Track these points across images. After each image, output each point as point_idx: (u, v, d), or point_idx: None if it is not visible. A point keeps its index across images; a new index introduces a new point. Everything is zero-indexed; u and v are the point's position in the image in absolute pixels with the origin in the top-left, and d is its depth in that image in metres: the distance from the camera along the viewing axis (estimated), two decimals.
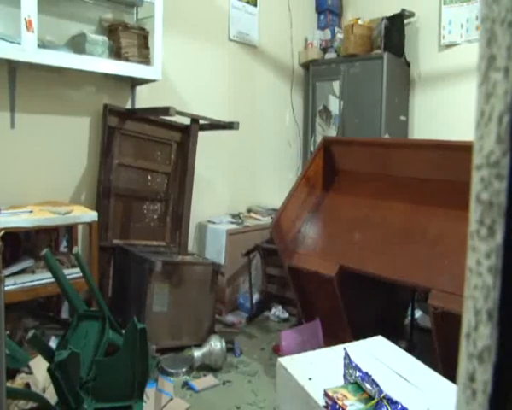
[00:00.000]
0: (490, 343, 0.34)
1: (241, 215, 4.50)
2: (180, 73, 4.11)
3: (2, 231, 1.73)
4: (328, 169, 3.48)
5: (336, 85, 4.90)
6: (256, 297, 4.16)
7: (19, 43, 2.88)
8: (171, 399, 2.78)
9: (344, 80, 4.84)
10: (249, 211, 4.70)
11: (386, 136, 4.43)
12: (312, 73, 5.16)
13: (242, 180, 4.73)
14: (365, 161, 3.33)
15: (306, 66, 5.25)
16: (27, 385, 2.53)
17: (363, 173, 3.34)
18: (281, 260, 3.34)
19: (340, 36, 5.03)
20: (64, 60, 3.12)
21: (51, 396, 2.46)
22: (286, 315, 4.06)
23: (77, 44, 3.29)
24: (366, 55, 4.73)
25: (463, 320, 0.35)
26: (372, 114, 4.62)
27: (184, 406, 2.74)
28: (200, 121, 3.68)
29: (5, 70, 3.16)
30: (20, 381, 2.56)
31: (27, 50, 2.91)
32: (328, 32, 5.21)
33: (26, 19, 2.86)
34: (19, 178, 3.23)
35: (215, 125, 3.79)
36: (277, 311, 4.07)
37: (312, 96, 5.15)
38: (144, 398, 2.57)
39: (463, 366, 0.35)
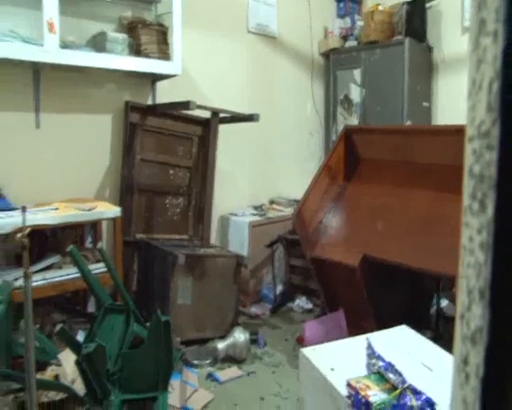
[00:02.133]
0: (482, 324, 0.33)
1: (264, 207, 4.51)
2: (199, 67, 4.12)
3: (28, 229, 1.77)
4: (350, 158, 3.45)
5: (357, 73, 4.84)
6: (279, 288, 4.16)
7: (42, 45, 2.94)
8: (196, 390, 2.82)
9: (365, 68, 4.77)
10: (271, 202, 4.70)
11: (409, 123, 4.36)
12: (333, 62, 5.10)
13: (264, 172, 4.73)
14: (387, 149, 3.29)
15: (326, 55, 5.20)
16: (57, 377, 2.61)
17: (385, 161, 3.30)
18: (303, 250, 3.34)
19: (360, 23, 4.96)
20: (85, 59, 3.17)
21: (79, 388, 2.53)
22: (310, 306, 4.06)
23: (98, 43, 3.33)
24: (387, 41, 4.65)
25: (457, 301, 0.35)
26: (394, 101, 4.54)
27: (209, 397, 2.77)
28: (221, 114, 3.69)
29: (30, 72, 3.24)
30: (50, 373, 2.64)
31: (50, 52, 2.97)
32: (347, 19, 5.14)
33: (48, 21, 2.92)
34: (44, 176, 3.32)
35: (235, 118, 3.80)
36: (301, 302, 4.07)
37: (333, 85, 5.10)
38: (169, 389, 2.62)
39: (457, 348, 0.35)
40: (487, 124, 0.33)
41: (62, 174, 3.40)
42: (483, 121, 0.33)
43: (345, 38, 5.09)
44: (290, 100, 4.95)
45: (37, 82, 3.27)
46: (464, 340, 0.34)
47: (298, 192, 3.57)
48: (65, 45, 3.08)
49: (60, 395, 2.54)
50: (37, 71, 3.25)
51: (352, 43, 5.01)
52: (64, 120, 3.41)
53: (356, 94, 4.88)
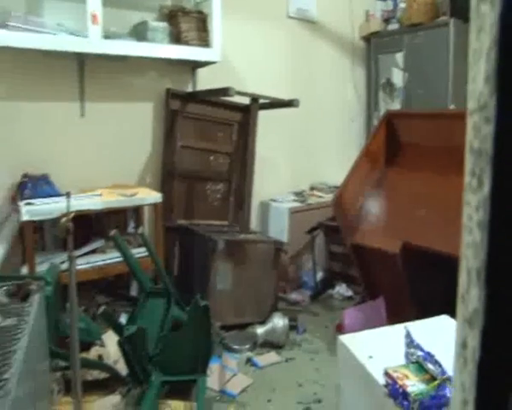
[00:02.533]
0: (478, 306, 0.32)
1: (304, 193, 4.48)
2: (239, 53, 4.12)
3: (72, 213, 1.84)
4: (391, 144, 3.37)
5: (399, 57, 4.70)
6: (320, 275, 4.15)
7: (86, 37, 3.04)
8: (235, 374, 2.86)
9: (407, 51, 4.62)
10: (312, 189, 4.66)
11: (452, 107, 4.20)
12: (374, 46, 4.98)
13: (304, 158, 4.69)
14: (430, 134, 3.18)
15: (368, 39, 5.07)
16: (100, 357, 2.71)
17: (427, 147, 3.20)
18: (343, 237, 3.30)
19: (402, 5, 4.79)
20: (128, 48, 3.24)
21: (122, 368, 2.62)
22: (350, 293, 4.02)
23: (139, 32, 3.39)
24: (431, 23, 4.48)
25: (459, 282, 0.33)
26: (438, 84, 4.39)
27: (247, 381, 2.81)
28: (260, 100, 3.68)
29: (74, 62, 3.34)
30: (94, 353, 2.74)
31: (94, 42, 3.05)
32: (389, 2, 4.98)
33: (91, 13, 2.99)
34: (88, 163, 3.42)
35: (275, 104, 3.78)
36: (341, 289, 4.04)
37: (375, 69, 4.98)
38: (208, 373, 2.67)
39: (458, 332, 0.34)
40: (485, 95, 0.32)
41: (106, 161, 3.50)
42: (481, 93, 0.32)
43: (386, 20, 4.94)
44: (330, 85, 4.87)
45: (82, 72, 3.37)
46: (464, 323, 0.34)
47: (339, 178, 3.52)
48: (108, 36, 3.16)
49: (103, 375, 2.64)
50: (81, 61, 3.35)
51: (393, 25, 4.86)
52: (107, 109, 3.51)
53: (398, 78, 4.75)
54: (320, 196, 4.45)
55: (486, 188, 0.31)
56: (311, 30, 4.67)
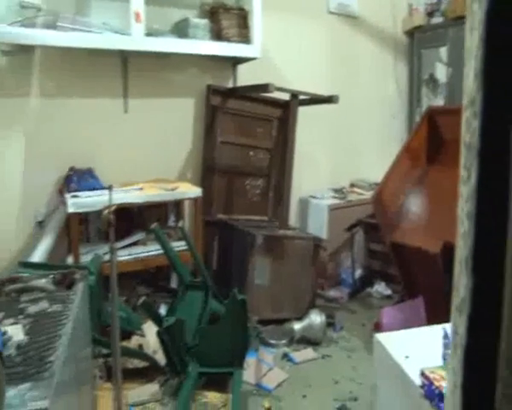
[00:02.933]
0: (465, 294, 0.34)
1: (344, 190, 4.44)
2: (279, 49, 4.12)
3: (114, 206, 1.90)
4: (433, 141, 3.29)
5: (443, 52, 4.56)
6: (358, 273, 4.10)
7: (129, 34, 3.12)
8: (271, 369, 2.88)
9: (452, 45, 4.48)
10: (352, 186, 4.61)
11: None
12: (417, 41, 4.86)
13: (344, 154, 4.64)
14: None
15: (411, 33, 4.95)
16: (140, 346, 2.79)
17: None
18: (382, 235, 3.25)
19: None
20: (170, 45, 3.31)
21: (161, 358, 2.68)
22: (389, 292, 3.96)
23: (180, 30, 3.44)
24: None
25: (454, 272, 0.34)
26: None
27: (283, 376, 2.82)
28: (300, 96, 3.67)
29: (118, 60, 3.44)
30: (134, 342, 2.82)
31: (137, 40, 3.13)
32: None
33: (134, 11, 3.07)
34: (131, 157, 3.52)
35: (315, 100, 3.76)
36: (380, 287, 3.99)
37: (417, 64, 4.86)
38: (245, 366, 2.70)
39: (452, 320, 0.36)
40: (474, 91, 0.32)
41: (148, 156, 3.59)
42: (471, 89, 0.33)
43: (430, 14, 4.80)
44: (371, 81, 4.79)
45: (126, 69, 3.46)
46: (455, 311, 0.35)
47: (379, 175, 3.47)
48: (150, 33, 3.23)
49: (143, 364, 2.72)
50: (125, 59, 3.44)
51: (437, 19, 4.71)
52: (150, 104, 3.59)
53: (442, 73, 4.61)
54: (360, 193, 4.40)
55: (473, 180, 0.33)
56: (351, 25, 4.61)
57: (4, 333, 1.59)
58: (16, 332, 1.68)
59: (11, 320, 1.80)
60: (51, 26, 3.01)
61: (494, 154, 0.32)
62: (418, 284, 3.19)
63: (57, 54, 3.22)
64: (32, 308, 1.91)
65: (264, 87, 3.32)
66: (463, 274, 0.34)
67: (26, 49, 3.14)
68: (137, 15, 3.07)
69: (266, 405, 2.53)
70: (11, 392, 1.35)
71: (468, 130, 0.33)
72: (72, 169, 3.22)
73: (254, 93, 3.76)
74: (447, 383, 0.36)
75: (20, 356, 1.56)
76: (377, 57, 4.82)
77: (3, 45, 3.08)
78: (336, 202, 4.17)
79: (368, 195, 4.27)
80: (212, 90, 3.71)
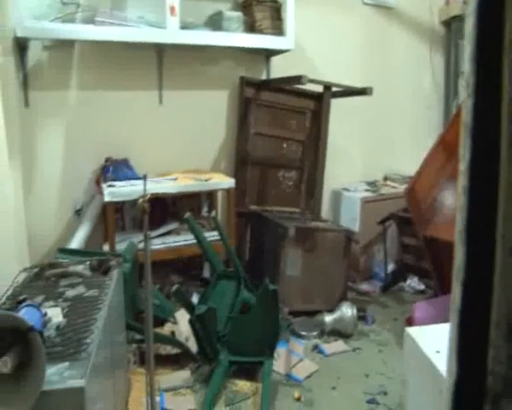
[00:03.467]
0: (460, 262, 0.37)
1: (377, 183, 4.39)
2: (313, 41, 4.09)
3: (148, 195, 1.94)
4: None
5: None
6: (391, 267, 4.05)
7: (164, 28, 3.17)
8: (301, 360, 2.88)
9: None
10: (385, 179, 4.55)
11: None
12: (454, 31, 4.72)
13: (378, 147, 4.58)
14: None
15: (448, 23, 4.81)
16: (173, 333, 2.84)
17: None
18: (415, 228, 3.21)
19: None
20: (203, 38, 3.34)
21: (192, 346, 2.73)
22: (422, 287, 3.90)
23: (214, 22, 3.47)
24: None
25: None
26: None
27: (313, 367, 2.82)
28: (333, 88, 3.64)
29: (154, 53, 3.50)
30: (167, 329, 2.88)
31: (172, 33, 3.18)
32: None
33: (169, 5, 3.12)
34: (165, 148, 3.58)
35: (348, 92, 3.73)
36: (413, 282, 3.93)
37: (455, 55, 4.73)
38: (275, 356, 2.71)
39: (452, 289, 0.38)
40: (468, 74, 0.35)
41: (182, 147, 3.64)
42: (467, 72, 0.35)
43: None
44: (407, 73, 4.69)
45: (161, 62, 3.52)
46: (455, 280, 0.38)
47: (413, 169, 3.41)
48: (185, 26, 3.27)
49: (175, 350, 2.77)
50: (160, 51, 3.50)
51: None
52: (184, 96, 3.64)
53: None
54: (393, 187, 4.34)
55: (467, 156, 0.36)
56: (386, 16, 4.52)
57: (45, 314, 1.66)
58: (55, 314, 1.75)
59: (51, 303, 1.87)
60: (90, 21, 3.09)
61: (484, 132, 0.34)
62: (451, 279, 3.13)
63: (95, 48, 3.31)
64: (70, 292, 1.98)
65: (298, 79, 3.31)
66: (459, 244, 0.37)
67: (65, 44, 3.24)
68: (172, 9, 3.11)
69: (296, 395, 2.55)
70: (51, 370, 1.41)
71: (465, 110, 0.36)
72: (108, 160, 3.31)
73: (288, 85, 3.76)
74: (447, 348, 0.39)
75: (58, 337, 1.62)
76: (413, 48, 4.71)
77: (45, 41, 3.18)
78: (369, 194, 4.13)
79: (401, 188, 4.20)
80: (245, 82, 3.73)
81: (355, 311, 3.21)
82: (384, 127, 4.61)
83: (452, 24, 4.76)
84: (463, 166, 0.37)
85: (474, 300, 0.37)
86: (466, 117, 0.36)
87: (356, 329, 3.23)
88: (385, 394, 2.59)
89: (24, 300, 1.72)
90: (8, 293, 1.93)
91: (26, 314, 1.47)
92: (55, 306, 1.85)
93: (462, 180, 0.37)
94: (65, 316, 1.75)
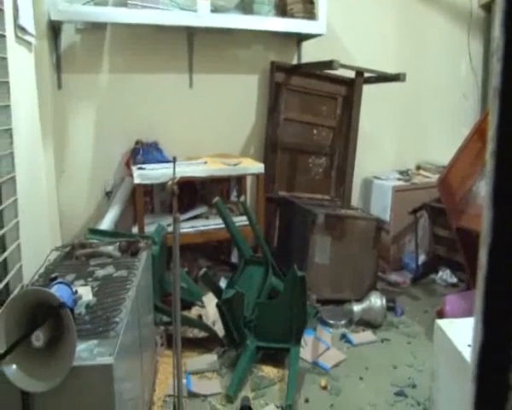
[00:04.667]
0: (487, 227, 0.36)
1: (410, 172, 4.29)
2: (345, 25, 4.00)
3: (178, 177, 1.93)
4: None
5: None
6: (422, 258, 3.96)
7: (195, 11, 3.15)
8: (328, 348, 2.85)
9: None
10: (418, 168, 4.44)
11: None
12: (495, 15, 4.54)
13: (411, 135, 4.46)
14: None
15: (487, 7, 4.62)
16: (200, 317, 2.85)
17: None
18: (448, 219, 3.11)
19: None
20: (234, 21, 3.31)
21: (219, 330, 2.73)
22: (454, 280, 3.80)
23: (245, 6, 3.44)
24: None
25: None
26: None
27: (341, 357, 2.78)
28: (365, 74, 3.56)
29: (184, 36, 3.49)
30: (195, 312, 2.89)
31: (202, 16, 3.16)
32: None
33: None
34: (195, 132, 3.58)
35: (380, 78, 3.64)
36: (445, 274, 3.83)
37: None
38: (302, 343, 2.69)
39: (480, 256, 0.38)
40: (498, 39, 0.36)
41: (211, 131, 3.63)
42: (497, 37, 0.36)
43: None
44: (442, 59, 4.53)
45: (191, 45, 3.51)
46: (481, 246, 0.37)
47: (447, 159, 3.30)
48: (216, 9, 3.24)
49: (202, 334, 2.77)
50: (191, 35, 3.48)
51: None
52: (214, 80, 3.62)
53: None
54: (426, 176, 4.23)
55: (495, 119, 0.36)
56: None
57: (75, 292, 1.67)
58: (86, 293, 1.76)
59: (81, 282, 1.89)
60: (122, 4, 3.09)
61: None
62: None
63: (126, 31, 3.31)
64: (100, 272, 1.99)
65: (329, 64, 3.24)
66: (487, 209, 0.37)
67: (98, 27, 3.26)
68: None
69: (323, 383, 2.52)
70: (81, 346, 1.41)
71: (494, 76, 0.37)
72: (138, 142, 3.32)
73: (319, 70, 3.70)
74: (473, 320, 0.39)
75: (88, 315, 1.63)
76: (449, 33, 4.55)
77: (78, 24, 3.20)
78: (401, 183, 4.04)
79: (434, 178, 4.09)
80: (276, 67, 3.69)
81: (384, 301, 3.15)
82: (417, 115, 4.48)
83: (492, 7, 4.57)
84: (492, 131, 0.37)
85: (501, 265, 0.37)
86: (495, 80, 0.36)
87: (385, 320, 3.17)
88: (413, 386, 2.54)
89: (56, 278, 1.74)
90: (40, 271, 1.96)
91: (58, 291, 1.48)
92: (86, 285, 1.86)
93: (491, 145, 0.37)
94: (94, 295, 1.77)
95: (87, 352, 1.42)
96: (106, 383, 1.38)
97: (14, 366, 1.30)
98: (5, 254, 1.95)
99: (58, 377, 1.30)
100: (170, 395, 2.34)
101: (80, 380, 1.36)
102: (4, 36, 2.13)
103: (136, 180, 2.94)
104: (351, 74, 3.65)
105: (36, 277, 1.89)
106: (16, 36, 2.31)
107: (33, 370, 1.32)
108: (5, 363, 1.28)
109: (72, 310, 1.45)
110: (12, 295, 1.59)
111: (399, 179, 4.12)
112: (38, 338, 1.32)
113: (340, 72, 3.51)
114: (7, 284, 2.05)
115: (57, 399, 1.36)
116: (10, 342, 1.30)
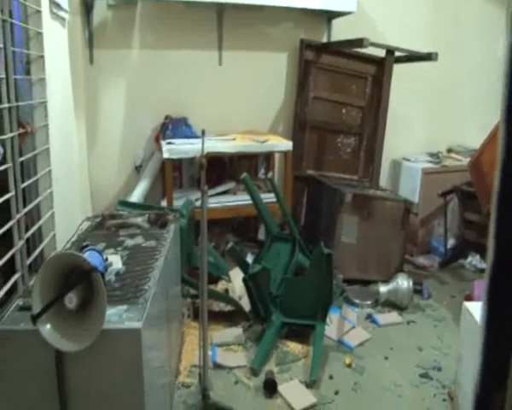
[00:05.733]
0: (494, 214, 0.38)
1: (440, 155, 4.20)
2: (376, 3, 3.90)
3: (206, 151, 1.94)
4: None
5: None
6: (451, 242, 3.90)
7: None
8: (354, 327, 2.85)
9: None
10: (449, 151, 4.35)
11: None
12: None
13: (442, 117, 4.36)
14: None
15: None
16: (226, 291, 2.88)
17: None
18: (479, 203, 3.05)
19: None
20: None
21: (245, 305, 2.75)
22: (483, 265, 3.73)
23: None
24: None
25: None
26: None
27: (366, 336, 2.78)
28: (396, 53, 3.49)
29: (214, 13, 3.48)
30: (221, 286, 2.92)
31: None
32: None
33: None
34: (224, 109, 3.58)
35: (412, 57, 3.55)
36: (474, 260, 3.76)
37: None
38: (327, 321, 2.69)
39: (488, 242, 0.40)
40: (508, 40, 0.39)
41: (240, 108, 3.63)
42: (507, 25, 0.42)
43: None
44: (476, 38, 4.37)
45: (221, 22, 3.50)
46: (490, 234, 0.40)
47: (480, 142, 3.22)
48: None
49: (228, 308, 2.80)
50: (220, 11, 3.47)
51: None
52: (243, 58, 3.61)
53: None
54: (457, 159, 4.14)
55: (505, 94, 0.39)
56: None
57: (106, 260, 1.70)
58: (116, 261, 1.80)
59: (111, 251, 1.93)
60: None
61: None
62: None
63: (157, 7, 3.32)
64: (129, 242, 2.03)
65: (359, 42, 3.19)
66: (496, 179, 0.39)
67: (129, 3, 3.27)
68: None
69: (347, 361, 2.52)
70: (111, 311, 1.45)
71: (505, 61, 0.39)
72: (168, 117, 3.34)
73: (348, 48, 3.64)
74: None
75: (118, 282, 1.67)
76: (486, 11, 4.38)
77: (110, 0, 3.22)
78: (431, 166, 3.96)
79: (466, 161, 4.00)
80: (305, 45, 3.64)
81: (411, 284, 3.12)
82: (450, 96, 4.37)
83: None
84: (502, 104, 0.39)
85: (504, 250, 0.39)
86: (504, 64, 0.38)
87: (411, 302, 3.15)
88: (439, 369, 2.52)
89: (87, 245, 1.78)
90: (72, 239, 2.00)
91: (90, 257, 1.51)
92: (115, 253, 1.90)
93: (502, 123, 0.39)
94: (124, 263, 1.80)
95: (116, 316, 1.45)
96: (134, 347, 1.41)
97: (49, 326, 1.34)
98: (40, 221, 2.01)
99: (89, 339, 1.34)
100: (195, 366, 2.38)
101: (109, 343, 1.40)
102: (40, 11, 2.17)
103: (165, 155, 2.96)
104: (381, 53, 3.58)
105: (68, 245, 1.94)
106: (51, 11, 2.35)
107: (66, 331, 1.36)
108: (40, 322, 1.32)
109: (102, 275, 1.48)
110: (47, 260, 1.63)
111: (429, 162, 4.04)
112: (71, 300, 1.35)
113: (371, 50, 3.45)
114: (41, 252, 2.11)
115: (88, 360, 1.40)
116: (45, 303, 1.34)
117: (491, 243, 0.39)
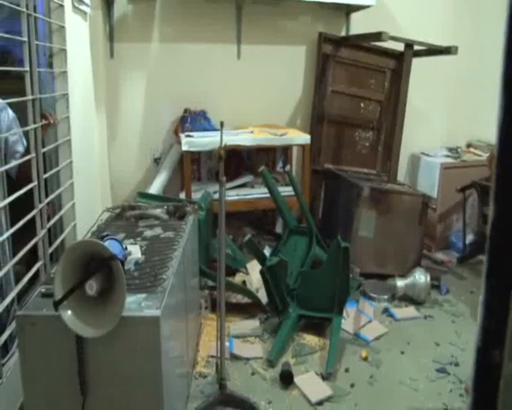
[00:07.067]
0: (493, 189, 0.42)
1: (459, 149, 4.15)
2: None
3: (225, 143, 1.96)
4: None
5: None
6: (470, 238, 3.85)
7: None
8: (370, 321, 2.84)
9: None
10: (469, 146, 4.30)
11: None
12: None
13: (462, 112, 4.29)
14: None
15: None
16: (244, 283, 2.90)
17: None
18: None
19: None
20: None
21: (262, 297, 2.77)
22: None
23: None
24: None
25: None
26: None
27: (382, 330, 2.77)
28: (415, 47, 3.45)
29: (233, 7, 3.49)
30: (238, 278, 2.94)
31: None
32: None
33: None
34: (242, 102, 3.59)
35: (431, 51, 3.51)
36: None
37: None
38: (344, 314, 2.69)
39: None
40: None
41: (258, 101, 3.64)
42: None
43: None
44: (498, 31, 4.21)
45: (240, 16, 3.50)
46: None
47: None
48: None
49: (245, 300, 2.82)
50: (239, 6, 3.48)
51: None
52: (262, 51, 3.61)
53: None
54: (477, 154, 4.09)
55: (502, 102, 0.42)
56: None
57: (125, 249, 1.73)
58: (135, 251, 1.83)
59: (131, 241, 1.96)
60: None
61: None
62: None
63: (176, 1, 3.35)
64: (148, 233, 2.06)
65: (378, 36, 3.17)
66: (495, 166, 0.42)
67: None
68: None
69: (363, 354, 2.52)
70: (130, 299, 1.47)
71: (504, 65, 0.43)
72: (187, 110, 3.37)
73: (367, 42, 3.61)
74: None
75: (137, 271, 1.70)
76: (506, 2, 4.30)
77: None
78: (450, 161, 3.92)
79: (485, 156, 3.96)
80: (323, 39, 3.63)
81: (428, 278, 3.10)
82: (470, 90, 4.29)
83: None
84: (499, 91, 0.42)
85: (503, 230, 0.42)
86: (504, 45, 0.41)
87: (428, 297, 3.12)
88: (456, 365, 2.50)
89: (107, 235, 1.81)
90: (93, 229, 2.04)
91: (110, 245, 1.53)
92: (135, 243, 1.93)
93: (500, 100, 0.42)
94: (143, 253, 1.83)
95: (135, 304, 1.47)
96: (153, 334, 1.43)
97: (70, 312, 1.37)
98: (62, 211, 2.05)
99: (109, 325, 1.36)
100: (213, 356, 2.40)
101: (129, 330, 1.42)
102: (63, 6, 2.21)
103: (184, 147, 2.99)
104: (400, 47, 3.55)
105: (88, 235, 1.98)
106: (73, 5, 2.39)
107: (87, 317, 1.39)
108: (62, 308, 1.36)
109: (122, 262, 1.51)
110: (68, 247, 1.67)
111: (448, 156, 4.00)
112: (92, 287, 1.38)
113: (389, 44, 3.42)
114: (62, 241, 2.16)
115: (108, 346, 1.43)
116: (66, 290, 1.37)
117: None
